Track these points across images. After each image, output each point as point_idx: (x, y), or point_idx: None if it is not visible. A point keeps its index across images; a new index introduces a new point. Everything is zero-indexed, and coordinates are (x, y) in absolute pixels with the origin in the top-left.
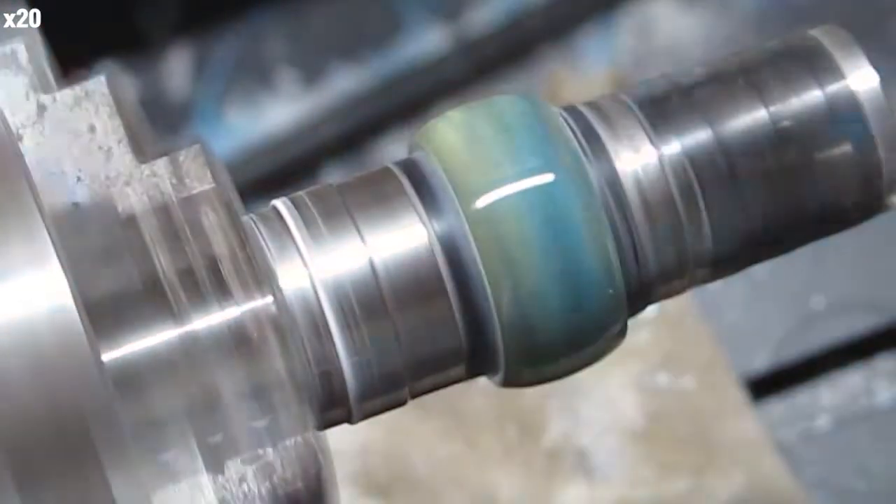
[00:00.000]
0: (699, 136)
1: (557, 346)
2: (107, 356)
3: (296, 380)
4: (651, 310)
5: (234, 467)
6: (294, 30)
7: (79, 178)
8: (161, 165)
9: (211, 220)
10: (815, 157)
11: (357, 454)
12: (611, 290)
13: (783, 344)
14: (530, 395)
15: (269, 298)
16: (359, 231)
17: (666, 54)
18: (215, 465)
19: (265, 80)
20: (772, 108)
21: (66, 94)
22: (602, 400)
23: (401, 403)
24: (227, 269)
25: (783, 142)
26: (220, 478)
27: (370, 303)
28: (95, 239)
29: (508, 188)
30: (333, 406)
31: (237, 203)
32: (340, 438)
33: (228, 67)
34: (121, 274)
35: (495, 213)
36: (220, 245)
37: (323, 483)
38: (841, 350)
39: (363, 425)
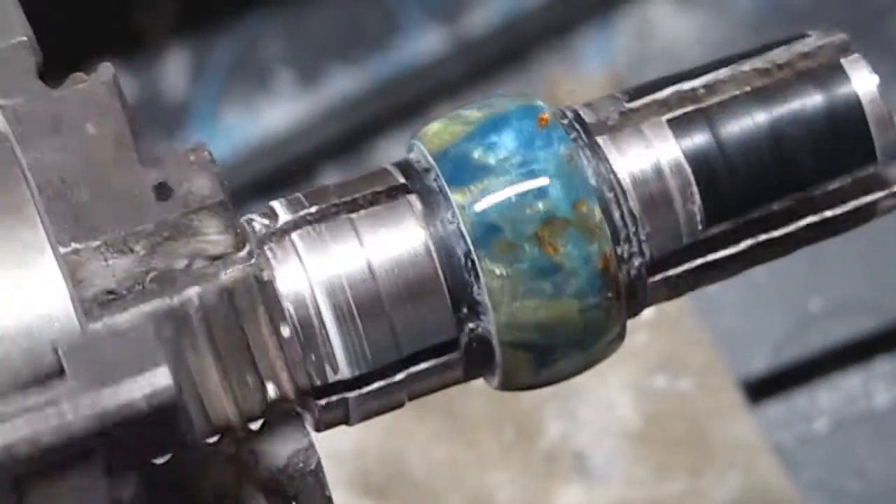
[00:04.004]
0: (698, 139)
1: (556, 349)
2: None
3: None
4: (649, 312)
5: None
6: (291, 31)
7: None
8: (166, 168)
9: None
10: (813, 159)
11: (354, 456)
12: (610, 294)
13: (781, 346)
14: (528, 396)
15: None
16: (356, 232)
17: (663, 56)
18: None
19: (262, 82)
20: (770, 110)
21: (71, 95)
22: (599, 401)
23: (399, 405)
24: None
25: (782, 143)
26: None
27: (368, 304)
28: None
29: (506, 191)
30: (331, 407)
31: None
32: (338, 440)
33: (226, 69)
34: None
35: (493, 215)
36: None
37: None
38: (839, 352)
39: (360, 427)
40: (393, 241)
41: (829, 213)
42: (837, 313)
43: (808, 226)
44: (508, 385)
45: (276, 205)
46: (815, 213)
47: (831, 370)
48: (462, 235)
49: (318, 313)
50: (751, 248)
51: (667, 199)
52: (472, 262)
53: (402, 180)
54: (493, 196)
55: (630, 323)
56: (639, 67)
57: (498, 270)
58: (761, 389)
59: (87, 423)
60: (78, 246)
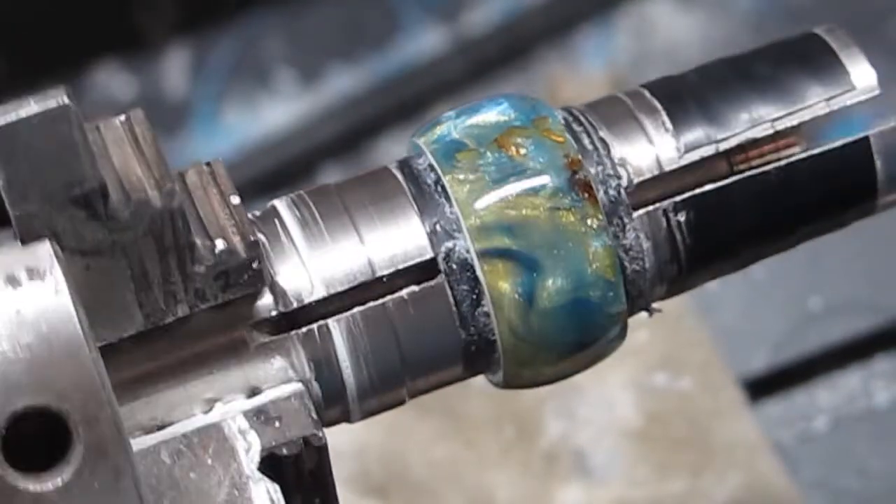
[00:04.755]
0: (699, 137)
1: (557, 348)
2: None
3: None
4: None
5: None
6: (292, 30)
7: None
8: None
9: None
10: (812, 156)
11: (355, 455)
12: (611, 292)
13: (781, 345)
14: (528, 395)
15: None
16: (357, 231)
17: (664, 55)
18: None
19: (263, 81)
20: (771, 108)
21: (136, 228)
22: (599, 400)
23: (400, 402)
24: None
25: (782, 141)
26: None
27: (368, 302)
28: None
29: (506, 189)
30: (332, 404)
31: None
32: (339, 439)
33: (226, 67)
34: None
35: (493, 214)
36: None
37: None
38: (838, 351)
39: (361, 426)
40: (394, 240)
41: (826, 209)
42: (837, 312)
43: (806, 221)
44: (511, 383)
45: (278, 203)
46: (813, 209)
47: (831, 369)
48: (463, 234)
49: (288, 231)
50: (751, 243)
51: (666, 197)
52: (474, 260)
53: (403, 180)
54: (495, 195)
55: (630, 321)
56: (639, 66)
57: (462, 176)
58: (761, 388)
59: None
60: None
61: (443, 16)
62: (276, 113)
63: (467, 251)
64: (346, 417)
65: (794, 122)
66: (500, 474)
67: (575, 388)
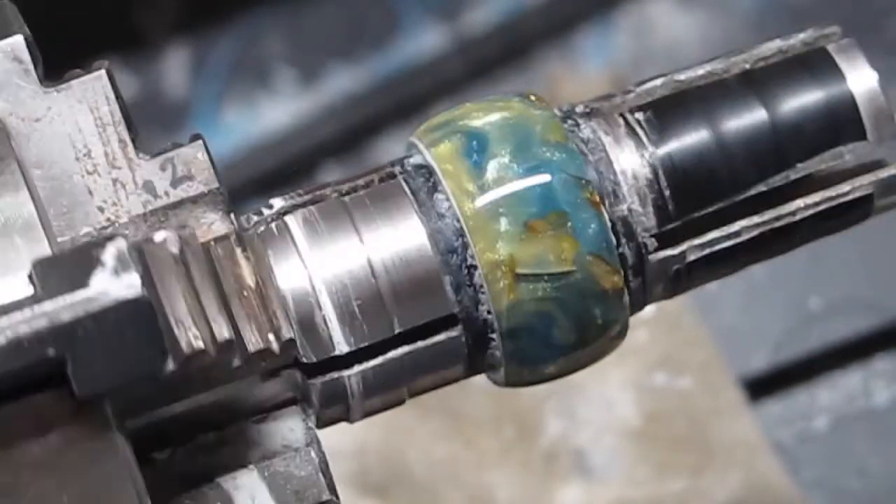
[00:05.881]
0: (697, 137)
1: (557, 346)
2: None
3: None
4: (649, 309)
5: None
6: (292, 29)
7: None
8: (159, 162)
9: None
10: (811, 157)
11: (355, 454)
12: (611, 291)
13: (781, 344)
14: (528, 395)
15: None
16: (357, 230)
17: (664, 54)
18: None
19: (263, 80)
20: (769, 108)
21: (69, 91)
22: (599, 400)
23: (400, 402)
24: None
25: (780, 141)
26: None
27: (369, 301)
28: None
29: (505, 188)
30: (333, 404)
31: None
32: (338, 439)
33: (227, 67)
34: None
35: (492, 213)
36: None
37: None
38: (839, 351)
39: (361, 425)
40: (394, 239)
41: (825, 211)
42: (837, 311)
43: (805, 223)
44: (512, 382)
45: (277, 202)
46: (812, 211)
47: (831, 368)
48: (463, 233)
49: (320, 309)
50: (749, 244)
51: (665, 196)
52: (474, 259)
53: (402, 179)
54: (494, 193)
55: (630, 321)
56: (639, 66)
57: (499, 267)
58: (761, 388)
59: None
60: (72, 235)
61: (443, 15)
62: (276, 112)
63: (421, 155)
64: (346, 416)
65: (751, 59)
66: (500, 474)
67: (575, 387)
